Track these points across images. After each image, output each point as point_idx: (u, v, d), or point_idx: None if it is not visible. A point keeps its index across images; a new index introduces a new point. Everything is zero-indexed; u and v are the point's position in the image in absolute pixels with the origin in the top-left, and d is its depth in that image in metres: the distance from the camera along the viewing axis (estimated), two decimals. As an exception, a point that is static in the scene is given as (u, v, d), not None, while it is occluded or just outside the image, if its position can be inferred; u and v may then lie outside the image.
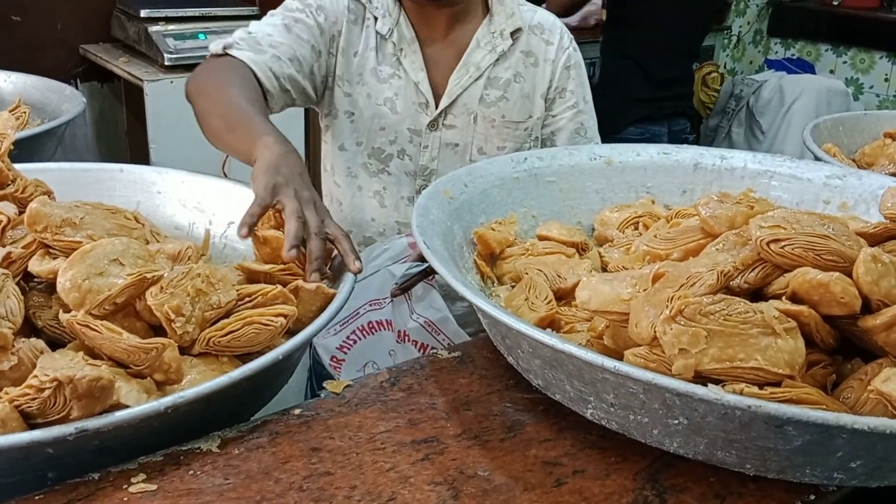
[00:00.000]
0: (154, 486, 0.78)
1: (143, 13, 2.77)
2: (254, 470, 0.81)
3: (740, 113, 4.55)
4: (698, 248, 1.00)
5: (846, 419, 0.68)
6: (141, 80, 2.63)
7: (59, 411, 0.76)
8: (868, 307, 0.84)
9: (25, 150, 1.40)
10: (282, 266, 1.03)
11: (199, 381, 0.85)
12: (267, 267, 1.03)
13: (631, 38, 3.08)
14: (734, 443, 0.76)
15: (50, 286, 0.94)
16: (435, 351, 1.06)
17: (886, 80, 4.85)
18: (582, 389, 0.84)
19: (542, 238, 1.22)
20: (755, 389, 0.75)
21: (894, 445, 0.73)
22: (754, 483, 0.82)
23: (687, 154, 1.37)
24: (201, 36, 2.77)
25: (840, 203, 1.24)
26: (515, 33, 1.54)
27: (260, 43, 1.40)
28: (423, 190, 1.17)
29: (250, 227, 1.02)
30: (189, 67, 2.38)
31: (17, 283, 0.92)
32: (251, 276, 1.04)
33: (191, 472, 0.80)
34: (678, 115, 3.19)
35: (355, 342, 1.44)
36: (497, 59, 1.53)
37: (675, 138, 3.14)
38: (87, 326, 0.84)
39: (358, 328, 1.42)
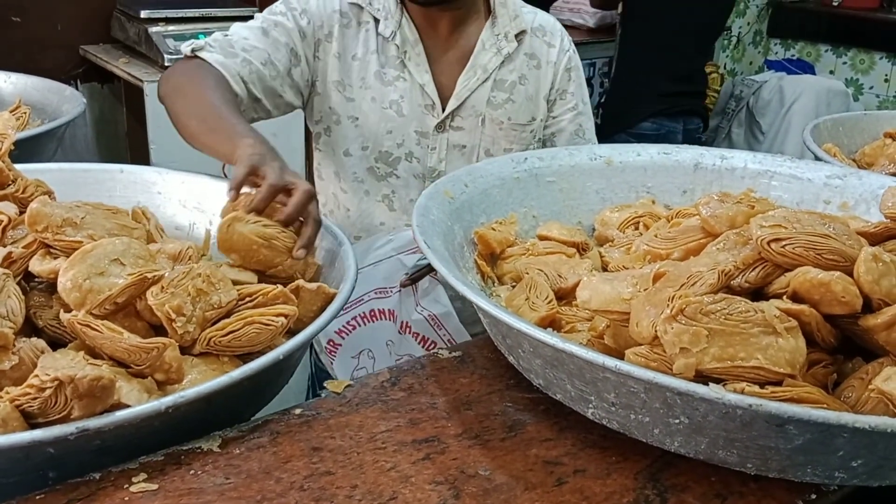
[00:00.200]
0: (155, 486, 0.78)
1: (144, 14, 2.76)
2: (255, 469, 0.81)
3: (740, 113, 4.55)
4: (699, 248, 1.00)
5: (847, 418, 0.68)
6: (141, 80, 2.63)
7: (60, 411, 0.76)
8: (869, 306, 0.84)
9: (26, 150, 1.40)
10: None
11: (200, 381, 0.85)
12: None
13: (650, 32, 3.08)
14: (735, 442, 0.76)
15: (51, 286, 0.94)
16: (435, 351, 1.06)
17: (886, 80, 4.84)
18: (583, 389, 0.84)
19: (542, 238, 1.22)
20: (756, 388, 0.75)
21: (895, 445, 0.73)
22: (755, 482, 0.82)
23: (687, 154, 1.37)
24: (201, 37, 2.75)
25: (840, 203, 1.24)
26: (520, 35, 1.54)
27: (233, 46, 1.40)
28: None
29: (235, 189, 1.06)
30: (189, 68, 2.37)
31: (18, 283, 0.92)
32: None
33: (192, 471, 0.80)
34: (693, 113, 3.21)
35: (355, 328, 1.44)
36: (502, 62, 1.53)
37: (689, 137, 3.15)
38: (88, 326, 0.84)
39: (360, 315, 1.42)
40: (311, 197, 1.09)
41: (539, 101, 1.58)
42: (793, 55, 5.22)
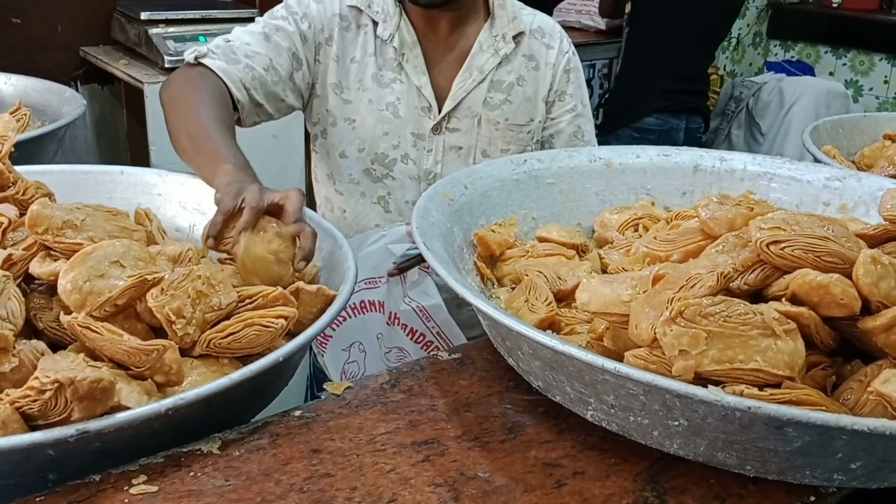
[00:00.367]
0: (155, 488, 0.78)
1: (144, 15, 2.76)
2: (254, 471, 0.81)
3: (740, 115, 4.56)
4: (698, 250, 1.00)
5: (846, 420, 0.68)
6: (141, 82, 2.63)
7: (60, 413, 0.76)
8: (867, 309, 0.84)
9: (26, 152, 1.40)
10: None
11: (200, 383, 0.85)
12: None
13: (655, 32, 3.15)
14: (734, 444, 0.76)
15: (51, 288, 0.94)
16: (435, 353, 1.06)
17: (886, 82, 4.85)
18: (582, 391, 0.84)
19: (541, 240, 1.22)
20: (755, 391, 0.75)
21: (894, 447, 0.73)
22: (754, 484, 0.82)
23: (686, 156, 1.37)
24: (202, 38, 2.77)
25: (840, 205, 1.24)
26: (518, 37, 1.55)
27: (235, 52, 1.40)
28: None
29: (214, 237, 1.04)
30: (189, 70, 2.38)
31: (18, 285, 0.92)
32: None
33: (191, 473, 0.80)
34: (696, 112, 3.27)
35: (345, 319, 1.44)
36: (500, 63, 1.53)
37: (691, 135, 3.23)
38: (88, 328, 0.84)
39: (350, 306, 1.42)
40: (303, 202, 1.09)
41: (537, 103, 1.58)
42: (792, 57, 5.23)
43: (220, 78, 1.36)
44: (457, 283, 0.90)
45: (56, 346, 0.91)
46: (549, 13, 1.68)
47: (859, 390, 0.82)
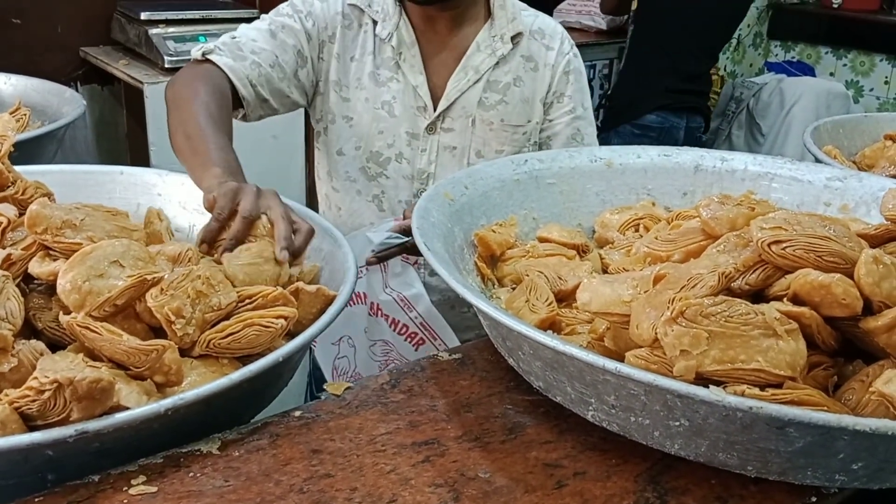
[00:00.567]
0: (154, 488, 0.78)
1: (144, 16, 2.77)
2: (254, 472, 0.81)
3: (740, 115, 4.56)
4: (699, 250, 1.00)
5: (847, 421, 0.68)
6: (141, 82, 2.63)
7: (59, 413, 0.75)
8: (869, 309, 0.84)
9: (26, 152, 1.40)
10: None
11: (200, 383, 0.85)
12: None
13: (662, 32, 3.18)
14: (735, 444, 0.76)
15: (50, 288, 0.94)
16: (435, 353, 1.06)
17: (886, 82, 4.85)
18: (583, 391, 0.84)
19: (542, 240, 1.22)
20: (756, 391, 0.75)
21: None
22: (756, 485, 0.82)
23: (687, 156, 1.37)
24: (202, 39, 2.77)
25: (841, 205, 1.24)
26: (516, 38, 1.54)
27: (242, 49, 1.41)
28: (420, 193, 1.17)
29: (209, 242, 1.05)
30: (189, 70, 2.38)
31: (18, 285, 0.92)
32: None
33: (191, 474, 0.80)
34: (697, 111, 3.31)
35: None
36: (497, 63, 1.53)
37: (691, 134, 3.28)
38: (87, 328, 0.84)
39: None
40: (290, 230, 1.07)
41: (535, 104, 1.57)
42: (793, 57, 5.23)
43: (226, 75, 1.38)
44: (457, 283, 0.90)
45: (55, 346, 0.91)
46: (549, 13, 1.68)
47: (861, 391, 0.82)
